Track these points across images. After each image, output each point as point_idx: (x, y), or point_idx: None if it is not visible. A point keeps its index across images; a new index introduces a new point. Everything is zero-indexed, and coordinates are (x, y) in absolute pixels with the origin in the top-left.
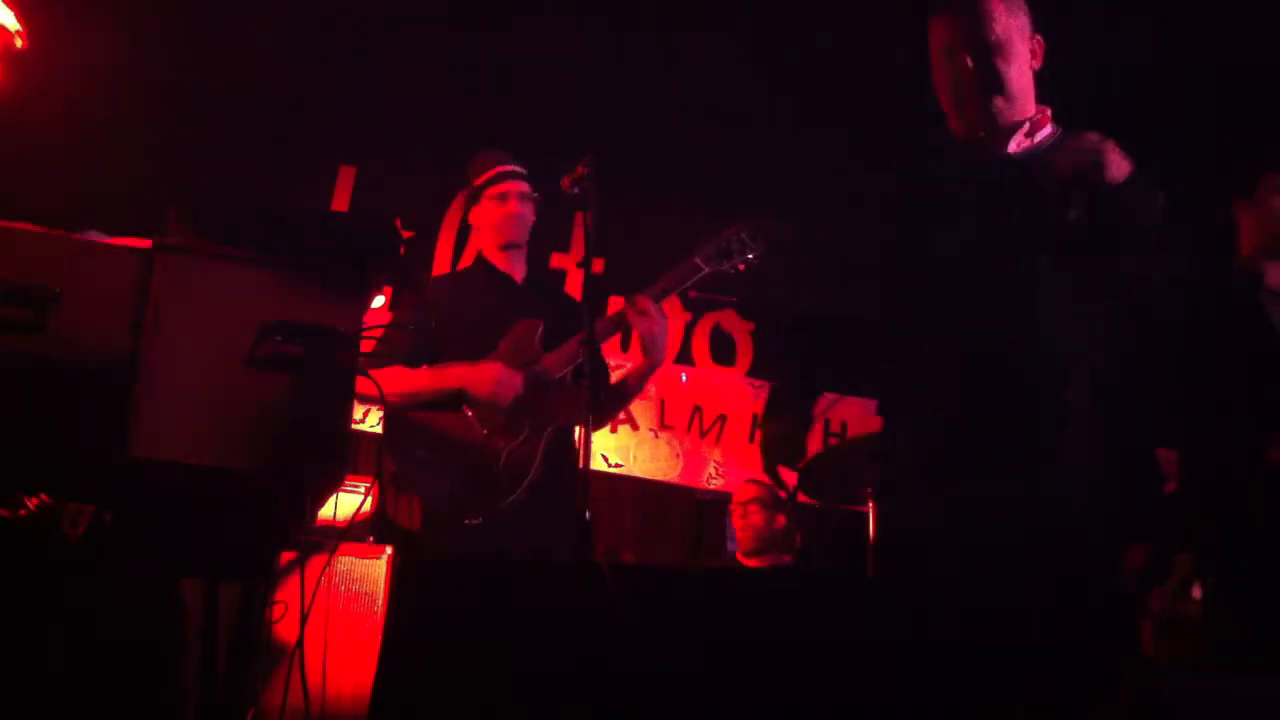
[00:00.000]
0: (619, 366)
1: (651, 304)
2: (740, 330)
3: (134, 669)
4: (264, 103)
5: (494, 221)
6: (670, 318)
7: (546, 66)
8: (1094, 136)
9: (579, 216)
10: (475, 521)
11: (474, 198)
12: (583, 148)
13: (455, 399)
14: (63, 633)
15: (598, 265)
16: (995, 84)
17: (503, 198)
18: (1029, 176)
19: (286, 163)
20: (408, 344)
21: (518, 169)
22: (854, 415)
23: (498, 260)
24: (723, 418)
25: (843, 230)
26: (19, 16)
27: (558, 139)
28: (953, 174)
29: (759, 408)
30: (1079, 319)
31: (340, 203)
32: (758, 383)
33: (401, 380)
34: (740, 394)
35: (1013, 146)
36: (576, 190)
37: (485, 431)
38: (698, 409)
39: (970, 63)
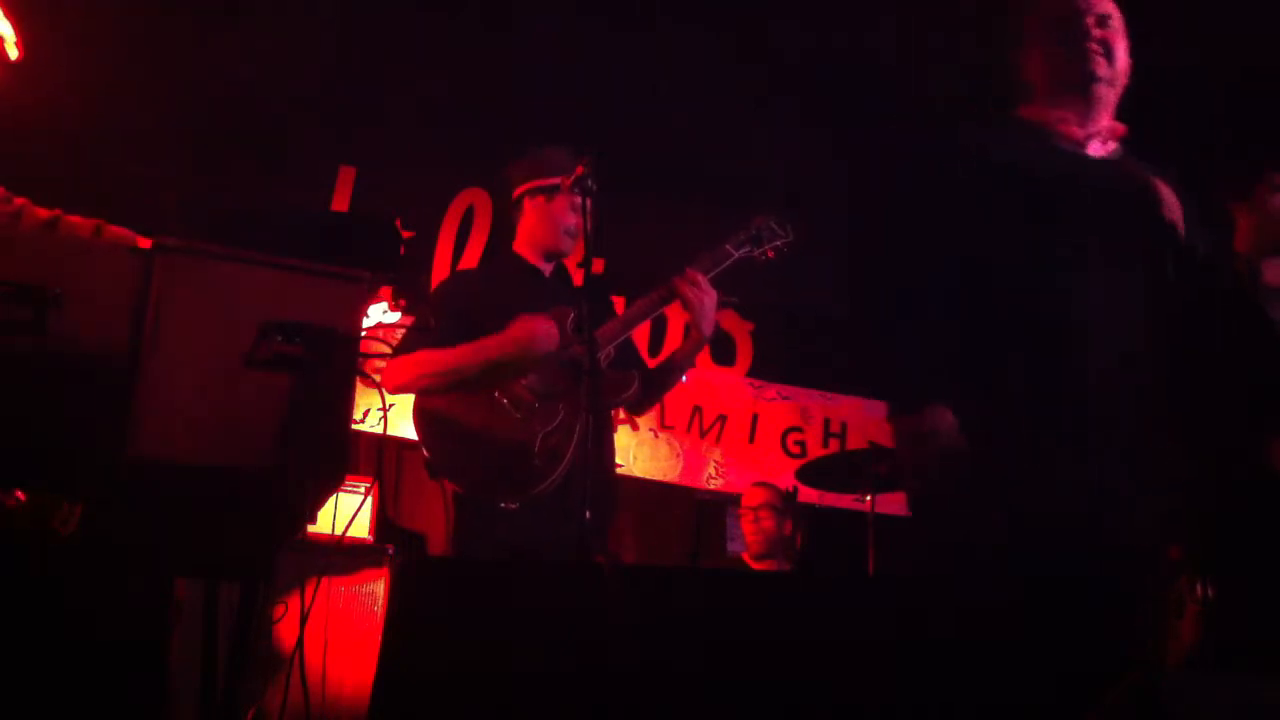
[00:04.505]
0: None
1: (702, 276)
2: (740, 330)
3: (132, 669)
4: (264, 103)
5: (564, 225)
6: (673, 317)
7: (546, 66)
8: None
9: None
10: (511, 506)
11: (548, 192)
12: (582, 148)
13: (494, 369)
14: (60, 632)
15: (598, 265)
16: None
17: (577, 209)
18: (1118, 186)
19: (286, 163)
20: (437, 332)
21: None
22: (854, 415)
23: (533, 256)
24: (723, 418)
25: (842, 230)
26: (14, 25)
27: (558, 139)
28: (1023, 160)
29: (759, 408)
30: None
31: (340, 203)
32: (758, 383)
33: (433, 361)
34: (740, 394)
35: (1095, 150)
36: (576, 191)
37: (519, 416)
38: (698, 409)
39: (1106, 35)
